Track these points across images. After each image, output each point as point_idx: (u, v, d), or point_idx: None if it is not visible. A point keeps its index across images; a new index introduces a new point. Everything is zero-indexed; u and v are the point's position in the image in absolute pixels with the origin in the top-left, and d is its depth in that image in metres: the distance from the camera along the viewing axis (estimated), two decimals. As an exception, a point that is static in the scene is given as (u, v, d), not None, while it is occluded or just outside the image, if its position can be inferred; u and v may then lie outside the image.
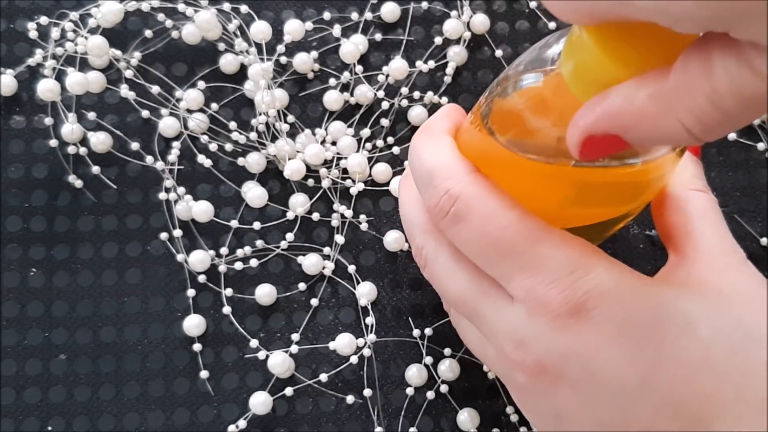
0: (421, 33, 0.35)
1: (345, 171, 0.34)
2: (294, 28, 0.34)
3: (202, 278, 0.32)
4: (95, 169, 0.33)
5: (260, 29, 0.33)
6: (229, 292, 0.32)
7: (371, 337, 0.32)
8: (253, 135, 0.34)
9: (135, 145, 0.33)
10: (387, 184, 0.34)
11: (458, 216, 0.22)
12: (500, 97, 0.22)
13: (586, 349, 0.21)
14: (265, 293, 0.32)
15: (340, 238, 0.33)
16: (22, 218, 0.33)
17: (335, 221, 0.33)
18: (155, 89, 0.34)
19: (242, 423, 0.31)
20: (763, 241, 0.33)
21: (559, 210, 0.22)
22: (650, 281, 0.22)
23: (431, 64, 0.35)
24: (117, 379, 0.32)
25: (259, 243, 0.33)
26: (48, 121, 0.33)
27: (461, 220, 0.22)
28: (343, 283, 0.33)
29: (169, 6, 0.34)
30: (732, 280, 0.22)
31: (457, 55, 0.35)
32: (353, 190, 0.33)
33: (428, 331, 0.32)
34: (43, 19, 0.34)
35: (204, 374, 0.32)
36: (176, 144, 0.34)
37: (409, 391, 0.32)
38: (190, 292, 0.32)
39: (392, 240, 0.33)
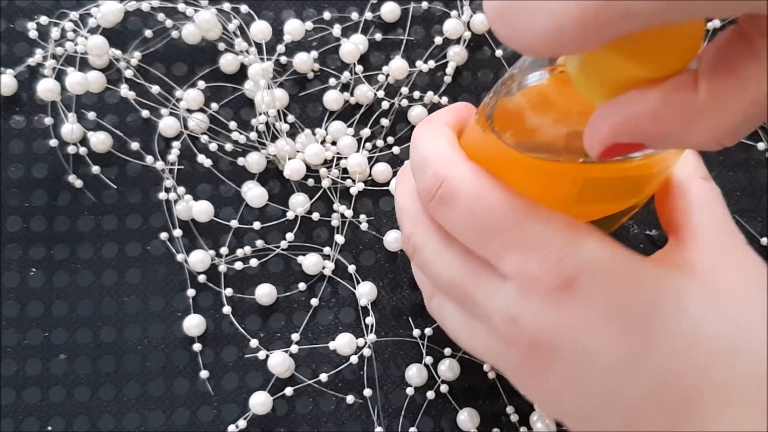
0: (421, 33, 0.35)
1: (345, 171, 0.34)
2: (294, 27, 0.34)
3: (202, 278, 0.32)
4: (95, 169, 0.33)
5: (260, 29, 0.33)
6: (229, 292, 0.32)
7: (371, 337, 0.32)
8: (253, 135, 0.34)
9: (135, 145, 0.33)
10: (387, 184, 0.34)
11: (444, 198, 0.22)
12: (505, 96, 0.22)
13: (578, 325, 0.20)
14: (265, 293, 0.32)
15: (340, 238, 0.33)
16: (22, 218, 0.33)
17: (335, 221, 0.33)
18: (155, 89, 0.34)
19: (242, 423, 0.31)
20: (764, 240, 0.33)
21: (563, 207, 0.22)
22: (643, 259, 0.22)
23: (431, 63, 0.35)
24: (117, 379, 0.32)
25: (259, 243, 0.33)
26: (48, 121, 0.33)
27: (448, 202, 0.22)
28: (343, 283, 0.33)
29: (169, 6, 0.34)
30: (728, 263, 0.22)
31: (457, 54, 0.35)
32: (353, 190, 0.33)
33: (428, 331, 0.32)
34: (43, 19, 0.34)
35: (204, 374, 0.32)
36: (176, 144, 0.34)
37: (409, 391, 0.32)
38: (190, 292, 0.32)
39: (392, 240, 0.33)
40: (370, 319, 0.32)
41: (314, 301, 0.33)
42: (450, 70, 0.35)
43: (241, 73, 0.35)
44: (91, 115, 0.34)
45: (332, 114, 0.35)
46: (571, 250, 0.21)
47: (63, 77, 0.33)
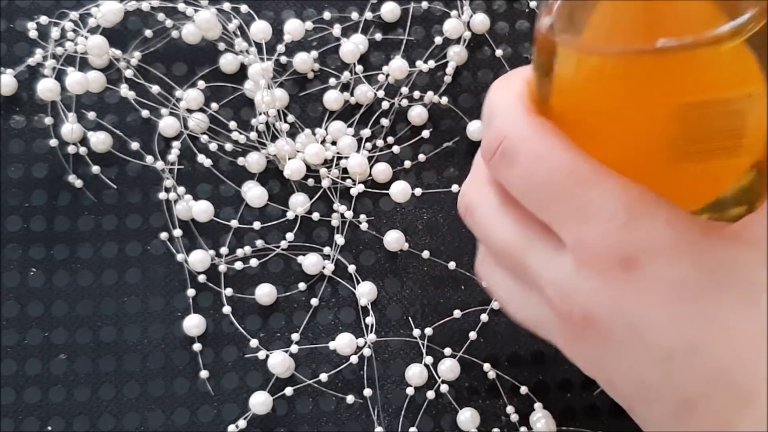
0: (421, 33, 0.35)
1: (345, 171, 0.34)
2: (294, 27, 0.34)
3: (202, 278, 0.32)
4: (95, 169, 0.33)
5: (260, 29, 0.33)
6: (229, 291, 0.32)
7: (371, 337, 0.32)
8: (253, 135, 0.34)
9: (135, 145, 0.33)
10: (387, 184, 0.34)
11: (504, 155, 0.21)
12: None
13: (635, 308, 0.19)
14: (265, 293, 0.32)
15: (340, 238, 0.33)
16: (22, 218, 0.33)
17: (335, 221, 0.33)
18: (155, 89, 0.34)
19: (242, 423, 0.31)
20: (764, 241, 0.33)
21: (653, 158, 0.20)
22: (716, 238, 0.19)
23: (431, 63, 0.35)
24: (117, 379, 0.32)
25: (259, 243, 0.33)
26: (48, 120, 0.33)
27: (508, 160, 0.21)
28: (343, 283, 0.33)
29: (169, 6, 0.34)
30: None
31: (457, 54, 0.35)
32: (353, 191, 0.33)
33: (428, 331, 0.32)
34: (43, 19, 0.34)
35: (204, 374, 0.32)
36: (176, 144, 0.34)
37: (409, 391, 0.32)
38: (190, 292, 0.32)
39: (392, 240, 0.33)
40: (370, 319, 0.32)
41: (314, 301, 0.33)
42: (450, 70, 0.35)
43: (241, 73, 0.35)
44: (91, 115, 0.34)
45: (332, 114, 0.35)
46: (635, 227, 0.19)
47: (63, 77, 0.33)
